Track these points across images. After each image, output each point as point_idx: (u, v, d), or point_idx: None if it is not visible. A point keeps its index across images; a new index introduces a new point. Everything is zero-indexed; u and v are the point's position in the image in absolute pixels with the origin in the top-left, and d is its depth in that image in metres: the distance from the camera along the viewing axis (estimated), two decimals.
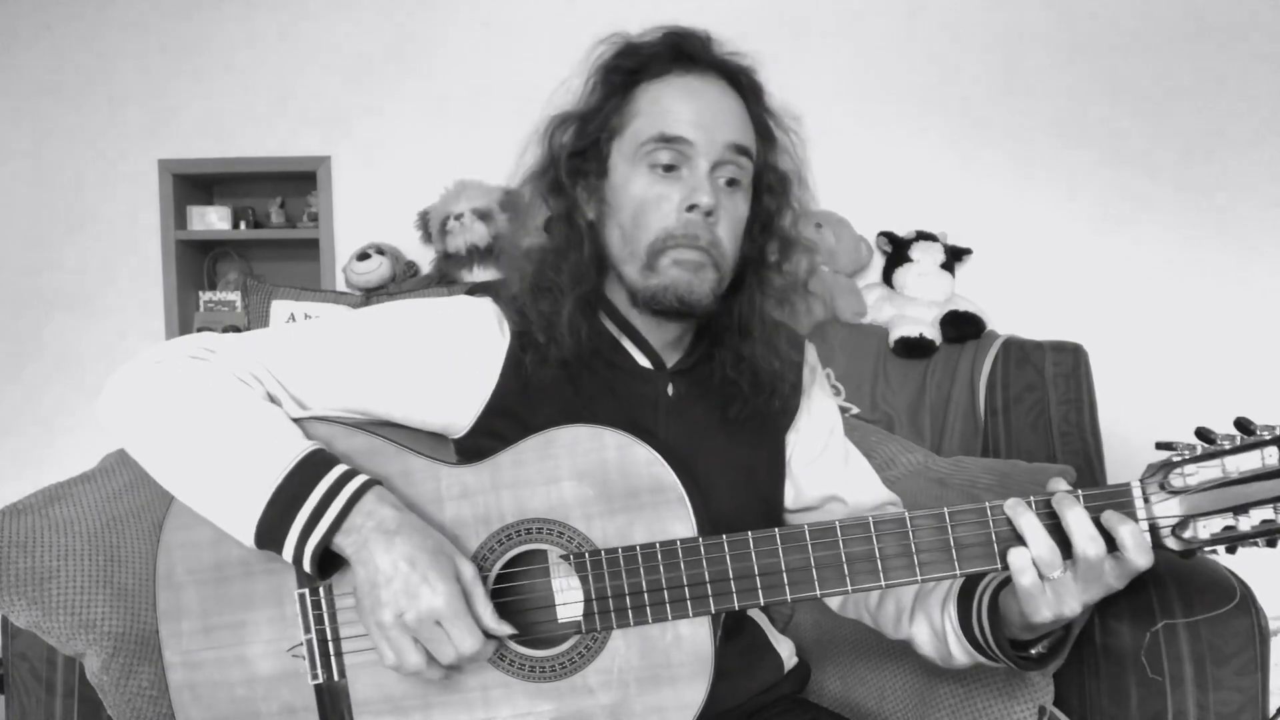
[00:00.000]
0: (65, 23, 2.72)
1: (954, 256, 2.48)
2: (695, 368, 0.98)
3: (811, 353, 1.09)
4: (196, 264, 2.82)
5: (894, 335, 2.27)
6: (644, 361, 0.96)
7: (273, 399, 0.90)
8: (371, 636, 0.80)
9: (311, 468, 0.82)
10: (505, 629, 0.81)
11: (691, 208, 0.88)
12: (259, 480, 0.81)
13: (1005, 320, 2.40)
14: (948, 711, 1.11)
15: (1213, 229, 2.53)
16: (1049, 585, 0.77)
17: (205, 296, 2.72)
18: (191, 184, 2.76)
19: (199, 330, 2.65)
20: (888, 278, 2.50)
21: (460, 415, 0.93)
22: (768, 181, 0.96)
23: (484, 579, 0.85)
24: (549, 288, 0.91)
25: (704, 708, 0.84)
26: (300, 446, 0.84)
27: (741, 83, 0.94)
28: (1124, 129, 2.54)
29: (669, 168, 0.89)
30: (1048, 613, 0.78)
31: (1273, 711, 1.14)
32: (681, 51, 0.91)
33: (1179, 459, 0.76)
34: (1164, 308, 2.54)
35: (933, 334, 2.26)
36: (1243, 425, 0.76)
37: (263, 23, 2.71)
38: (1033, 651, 0.87)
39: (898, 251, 2.48)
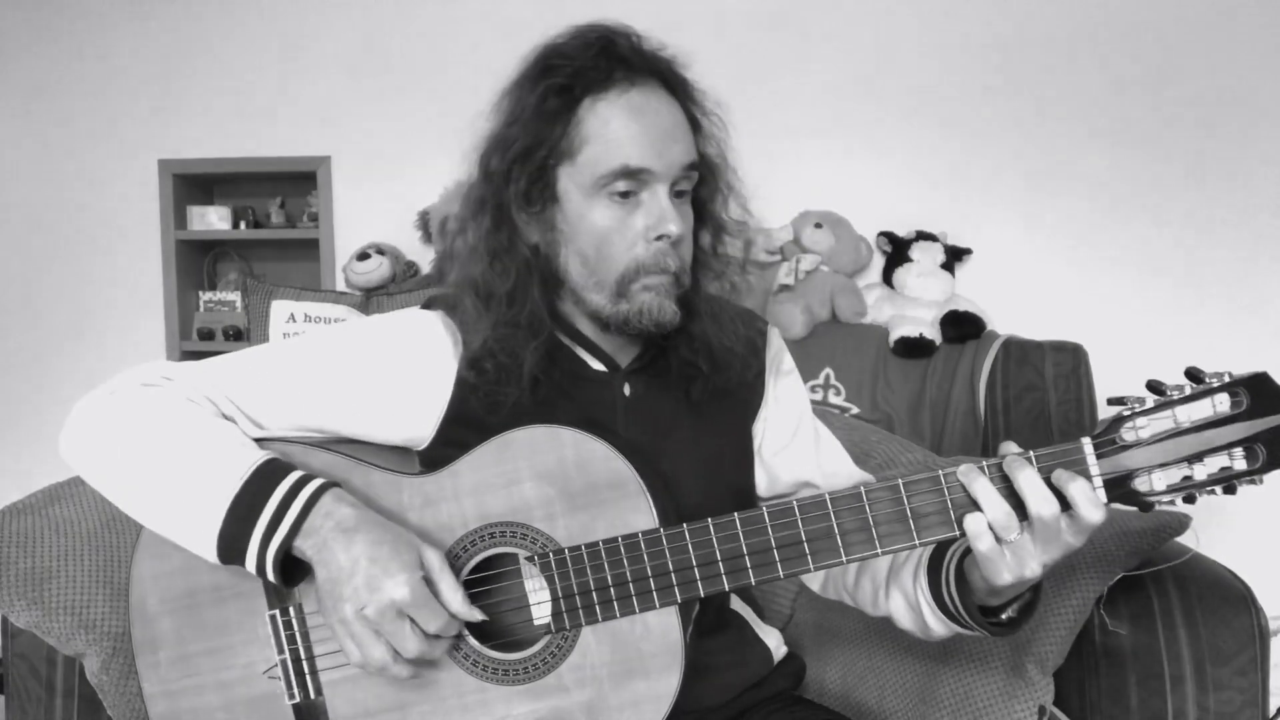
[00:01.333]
0: (66, 23, 2.72)
1: (954, 256, 2.48)
2: (650, 365, 0.98)
3: (775, 337, 1.08)
4: (196, 264, 2.82)
5: (894, 335, 2.27)
6: (598, 365, 0.96)
7: (228, 420, 0.90)
8: (336, 635, 0.80)
9: (267, 475, 0.83)
10: (475, 614, 0.81)
11: (660, 237, 0.88)
12: (216, 493, 0.82)
13: (1005, 320, 2.40)
14: (948, 711, 1.11)
15: (1215, 228, 2.53)
16: (1007, 548, 0.77)
17: (205, 296, 2.73)
18: (191, 184, 2.77)
19: (197, 330, 2.65)
20: (888, 278, 2.49)
21: (419, 428, 0.93)
22: (701, 172, 0.95)
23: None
24: (506, 343, 0.89)
25: (696, 704, 0.85)
26: (255, 456, 0.84)
27: (673, 83, 0.92)
28: (1125, 129, 2.54)
29: (627, 194, 0.88)
30: (1009, 575, 0.78)
31: (1273, 711, 1.14)
32: (615, 55, 0.89)
33: (1129, 412, 0.76)
34: (1164, 308, 2.54)
35: (933, 334, 2.26)
36: (1193, 374, 0.75)
37: (263, 23, 2.71)
38: (1003, 616, 0.88)
39: (898, 251, 2.48)
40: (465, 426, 0.91)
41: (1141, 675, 1.02)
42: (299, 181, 2.74)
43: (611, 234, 0.89)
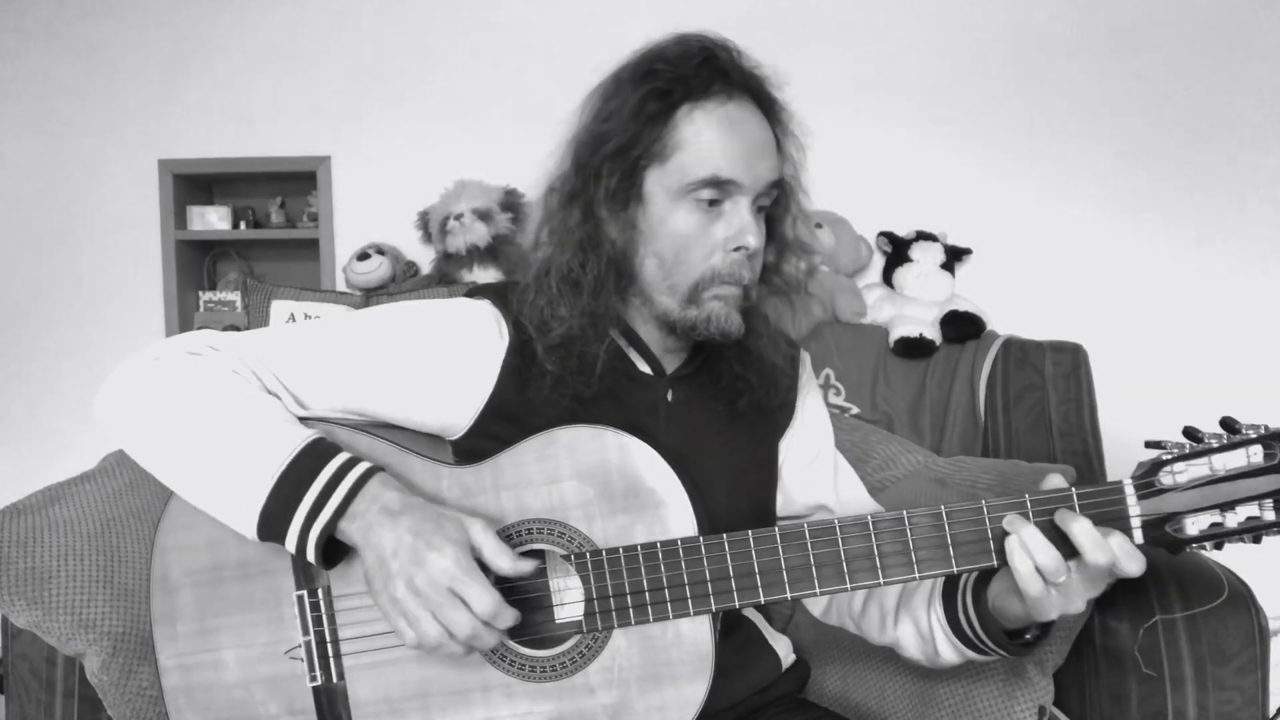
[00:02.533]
0: (66, 22, 2.72)
1: (954, 256, 2.48)
2: (695, 374, 0.99)
3: (807, 361, 1.10)
4: (196, 264, 2.81)
5: (894, 335, 2.27)
6: (645, 367, 0.97)
7: (272, 395, 0.90)
8: (388, 618, 0.79)
9: (314, 455, 0.82)
10: (526, 565, 0.80)
11: (739, 249, 0.90)
12: (261, 470, 0.82)
13: (1005, 320, 2.40)
14: (948, 712, 1.11)
15: (1215, 228, 2.53)
16: (1055, 589, 0.79)
17: (205, 296, 2.72)
18: (191, 184, 2.76)
19: (199, 330, 2.65)
20: (888, 278, 2.50)
21: (458, 417, 0.93)
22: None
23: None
24: (579, 335, 0.90)
25: (704, 705, 0.84)
26: (302, 435, 0.84)
27: (765, 101, 0.94)
28: (1125, 128, 2.54)
29: (712, 203, 0.90)
30: (1054, 613, 0.81)
31: (1273, 711, 1.14)
32: (716, 67, 0.90)
33: (1169, 457, 0.79)
34: (1164, 308, 2.54)
35: (933, 334, 2.26)
36: (1228, 424, 0.78)
37: (263, 23, 2.71)
38: (1027, 635, 0.89)
39: (898, 251, 2.48)
40: (503, 419, 0.91)
41: (1142, 675, 1.02)
42: (299, 181, 2.74)
43: (692, 240, 0.90)
